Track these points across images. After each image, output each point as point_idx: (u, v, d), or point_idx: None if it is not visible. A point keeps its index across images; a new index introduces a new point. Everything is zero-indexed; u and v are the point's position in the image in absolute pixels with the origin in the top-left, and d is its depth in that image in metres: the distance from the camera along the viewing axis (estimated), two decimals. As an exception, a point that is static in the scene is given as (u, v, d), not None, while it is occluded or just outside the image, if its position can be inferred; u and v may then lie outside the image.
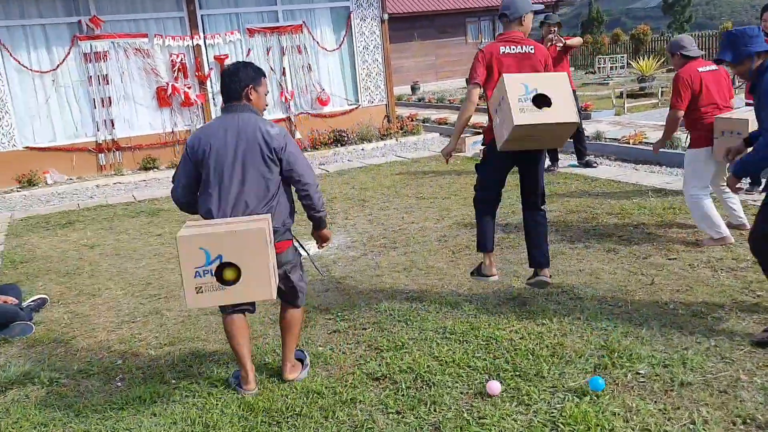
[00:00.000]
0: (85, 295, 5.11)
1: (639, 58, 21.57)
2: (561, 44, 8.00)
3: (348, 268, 5.27)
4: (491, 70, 4.10)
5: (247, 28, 11.88)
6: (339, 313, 4.28)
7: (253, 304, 3.40)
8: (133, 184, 10.41)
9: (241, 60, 3.57)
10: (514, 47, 4.09)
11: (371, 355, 3.64)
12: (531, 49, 4.11)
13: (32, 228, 7.61)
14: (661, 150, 5.89)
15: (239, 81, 3.23)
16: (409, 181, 8.62)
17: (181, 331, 4.22)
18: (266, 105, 3.42)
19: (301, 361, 3.56)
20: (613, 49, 29.07)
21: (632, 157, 8.82)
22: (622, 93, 14.74)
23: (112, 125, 11.07)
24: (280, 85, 12.26)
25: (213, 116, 11.70)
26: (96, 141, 11.02)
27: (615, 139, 9.66)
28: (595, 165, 8.48)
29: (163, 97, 11.35)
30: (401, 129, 13.07)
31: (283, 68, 12.22)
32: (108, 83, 10.97)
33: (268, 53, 12.09)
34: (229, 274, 2.94)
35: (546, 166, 8.61)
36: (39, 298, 4.82)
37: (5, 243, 7.03)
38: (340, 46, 12.68)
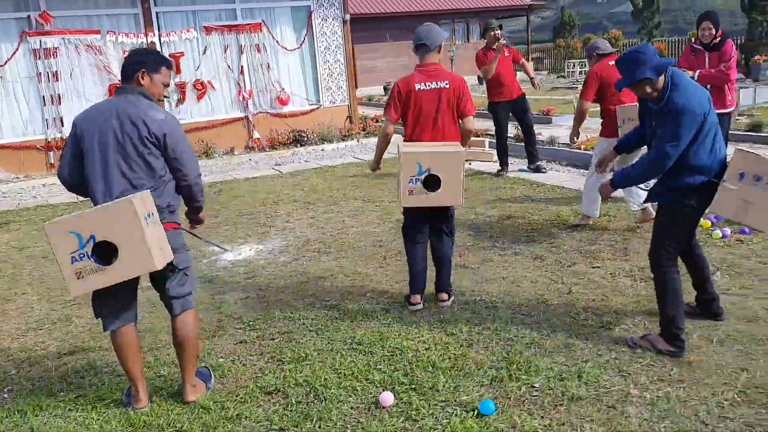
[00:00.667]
0: (-1, 300, 4.96)
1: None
2: (501, 51, 8.03)
3: (274, 274, 5.16)
4: (407, 106, 4.14)
5: (204, 26, 11.70)
6: (251, 323, 4.18)
7: (135, 313, 3.26)
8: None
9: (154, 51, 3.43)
10: (429, 83, 4.09)
11: (271, 367, 3.54)
12: (446, 83, 4.11)
13: (-35, 228, 7.41)
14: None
15: (134, 64, 3.20)
16: (360, 184, 8.54)
17: (86, 340, 4.09)
18: (164, 95, 3.35)
19: (206, 380, 3.39)
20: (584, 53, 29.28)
21: (583, 163, 8.80)
22: (584, 97, 14.77)
23: (62, 123, 10.83)
24: (238, 83, 12.09)
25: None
26: (45, 139, 10.77)
27: (568, 144, 9.65)
28: (544, 170, 8.46)
29: (116, 95, 11.11)
30: (363, 130, 12.99)
31: (241, 67, 12.05)
32: (58, 80, 10.73)
33: (225, 51, 11.92)
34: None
35: (496, 170, 8.67)
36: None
37: (-67, 244, 6.82)
38: (301, 45, 12.55)
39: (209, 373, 3.47)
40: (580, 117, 6.00)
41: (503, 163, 8.60)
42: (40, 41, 10.53)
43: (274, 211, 7.31)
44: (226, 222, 7.00)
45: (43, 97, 10.70)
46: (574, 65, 24.34)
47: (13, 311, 4.72)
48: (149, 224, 2.90)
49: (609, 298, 4.17)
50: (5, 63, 10.40)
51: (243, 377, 3.45)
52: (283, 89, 12.43)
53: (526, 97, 8.46)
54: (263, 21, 12.14)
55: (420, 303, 4.27)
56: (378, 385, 3.24)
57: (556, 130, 11.74)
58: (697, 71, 5.99)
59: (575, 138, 6.30)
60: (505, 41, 8.30)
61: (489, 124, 10.26)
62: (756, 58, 17.72)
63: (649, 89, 3.34)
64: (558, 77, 25.94)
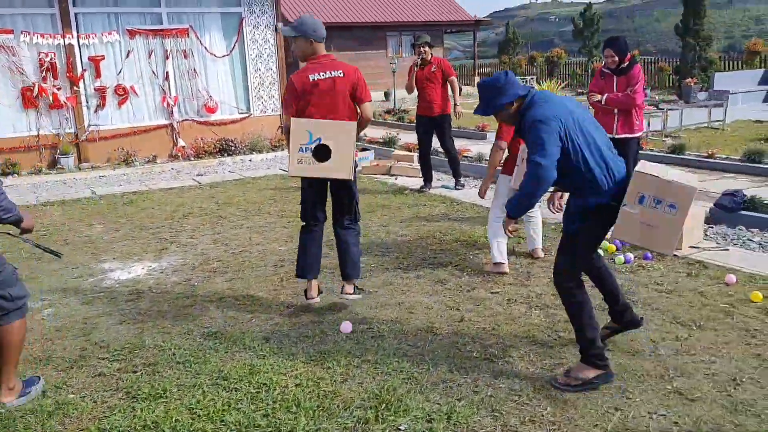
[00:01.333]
0: None
1: (544, 80, 21.98)
2: (417, 67, 7.93)
3: (160, 297, 4.83)
4: (303, 98, 4.14)
5: (127, 29, 11.24)
6: (117, 352, 3.84)
7: None
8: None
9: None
10: (323, 73, 4.11)
11: (123, 405, 3.22)
12: (340, 73, 4.14)
13: None
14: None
15: None
16: (279, 197, 8.25)
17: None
18: None
19: (29, 385, 3.33)
20: (530, 70, 29.67)
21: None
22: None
23: (-29, 126, 10.21)
24: (163, 89, 11.65)
25: (85, 118, 11.01)
26: (-50, 142, 10.13)
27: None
28: (459, 187, 8.35)
29: (28, 98, 10.55)
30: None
31: (167, 72, 11.62)
32: (-33, 80, 10.12)
33: (150, 56, 11.47)
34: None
35: (419, 186, 8.51)
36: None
37: None
38: (231, 52, 12.20)
39: (36, 381, 3.39)
40: (494, 159, 5.18)
41: (426, 179, 8.46)
42: (-54, 38, 9.92)
43: (181, 225, 6.96)
44: (126, 236, 6.60)
45: (-52, 97, 10.07)
46: (515, 81, 24.60)
47: None
48: None
49: (500, 327, 4.00)
50: None
51: (87, 417, 3.12)
52: (210, 97, 12.04)
53: (450, 116, 8.30)
54: (191, 26, 11.75)
55: (317, 297, 4.36)
56: (232, 427, 2.97)
57: (486, 147, 11.69)
58: (605, 95, 5.95)
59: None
60: (420, 58, 8.15)
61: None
62: (687, 80, 18.18)
63: (506, 115, 3.36)
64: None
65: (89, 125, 11.09)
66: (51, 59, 10.65)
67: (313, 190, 4.32)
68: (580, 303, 3.31)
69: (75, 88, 10.89)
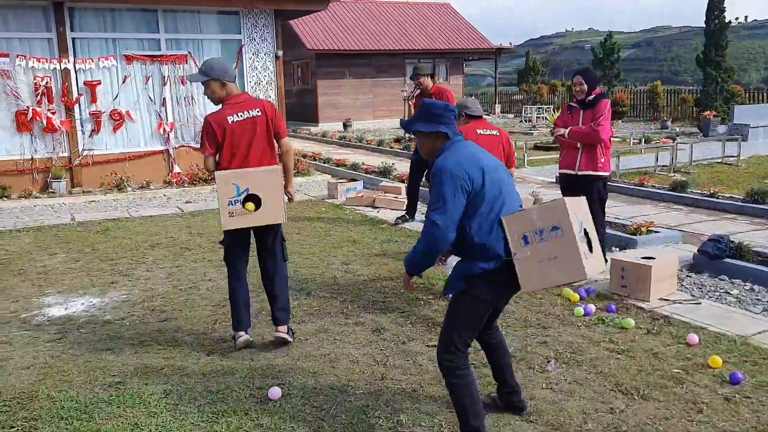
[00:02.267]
0: None
1: (557, 109, 21.59)
2: (415, 96, 7.67)
3: (83, 338, 4.58)
4: (222, 139, 4.07)
5: (125, 55, 11.25)
6: (5, 402, 3.59)
7: None
8: (-29, 214, 9.57)
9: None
10: (241, 113, 4.06)
11: (-21, 466, 2.96)
12: (258, 111, 4.10)
13: None
14: None
15: None
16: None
17: None
18: None
19: None
20: (551, 99, 29.30)
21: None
22: (525, 145, 14.55)
23: (-33, 148, 10.26)
24: (159, 115, 11.61)
25: (80, 143, 11.00)
26: (-54, 164, 10.18)
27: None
28: None
29: (22, 122, 10.59)
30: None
31: (164, 98, 11.59)
32: (-39, 103, 10.19)
33: (147, 82, 11.46)
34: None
35: (396, 218, 8.21)
36: None
37: None
38: (228, 79, 12.11)
39: None
40: None
41: (408, 211, 8.18)
42: (-58, 62, 10.02)
43: (142, 257, 6.75)
44: (83, 267, 6.42)
45: (-57, 120, 10.14)
46: (531, 110, 24.24)
47: None
48: None
49: (422, 389, 3.65)
50: None
51: (-66, 481, 2.86)
52: (207, 123, 11.94)
53: None
54: (189, 53, 11.73)
55: (246, 335, 4.22)
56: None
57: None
58: (569, 128, 5.62)
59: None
60: (416, 89, 7.90)
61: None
62: (706, 113, 17.63)
63: (423, 145, 3.09)
64: (521, 121, 25.85)
65: (83, 150, 11.08)
66: (46, 83, 10.69)
67: (241, 241, 4.24)
68: (463, 385, 2.95)
69: (70, 112, 10.90)
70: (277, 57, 12.48)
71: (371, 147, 18.01)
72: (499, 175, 2.97)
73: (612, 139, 5.80)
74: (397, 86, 27.15)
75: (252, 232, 4.25)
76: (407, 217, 8.13)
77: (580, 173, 5.67)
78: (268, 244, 4.26)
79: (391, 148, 16.99)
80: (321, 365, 4.00)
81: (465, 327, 2.98)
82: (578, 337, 4.35)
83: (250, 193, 3.96)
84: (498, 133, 5.01)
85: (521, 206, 2.99)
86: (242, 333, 4.24)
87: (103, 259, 6.74)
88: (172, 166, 11.71)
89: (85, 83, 11.01)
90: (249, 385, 3.72)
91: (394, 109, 26.93)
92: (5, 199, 10.30)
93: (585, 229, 2.87)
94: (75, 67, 10.92)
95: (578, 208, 2.90)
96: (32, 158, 10.77)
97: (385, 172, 11.69)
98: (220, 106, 4.11)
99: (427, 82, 7.74)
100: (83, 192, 10.88)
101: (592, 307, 4.80)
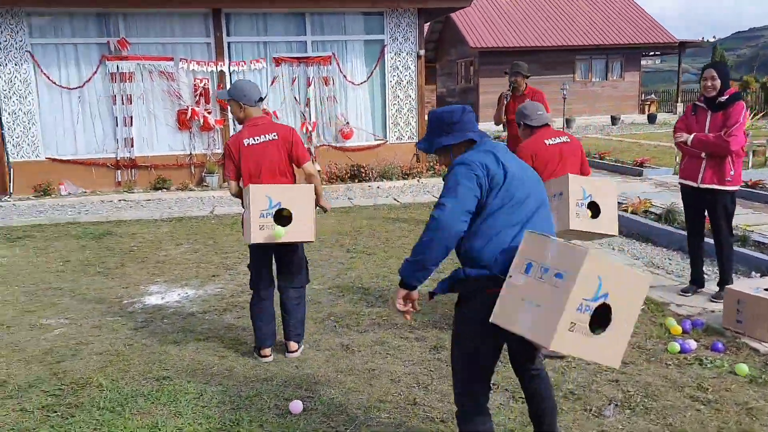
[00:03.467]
0: None
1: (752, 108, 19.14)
2: (507, 99, 7.14)
3: (159, 329, 4.82)
4: (240, 162, 4.09)
5: (274, 57, 11.84)
6: (63, 386, 3.84)
7: None
8: (134, 202, 10.64)
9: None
10: (257, 137, 4.06)
11: (11, 444, 3.18)
12: (274, 135, 4.08)
13: (-18, 239, 7.92)
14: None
15: None
16: (367, 229, 8.01)
17: None
18: None
19: None
20: (742, 96, 26.21)
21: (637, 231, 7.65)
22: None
23: (131, 144, 11.44)
24: (303, 115, 12.08)
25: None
26: (115, 157, 11.43)
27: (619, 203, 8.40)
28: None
29: (183, 120, 11.57)
30: (430, 170, 12.39)
31: (308, 99, 12.04)
32: (131, 103, 11.36)
33: (293, 83, 11.97)
34: None
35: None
36: None
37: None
38: (368, 78, 12.28)
39: None
40: None
41: None
42: (117, 66, 11.23)
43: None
44: (197, 259, 6.80)
45: (116, 118, 11.38)
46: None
47: None
48: None
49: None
50: (84, 84, 11.20)
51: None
52: (347, 123, 12.23)
53: None
54: (333, 54, 12.05)
55: (269, 356, 4.19)
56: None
57: (639, 185, 10.43)
58: (692, 135, 4.84)
59: None
60: (511, 88, 7.39)
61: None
62: None
63: (448, 160, 2.73)
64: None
65: (234, 146, 11.82)
66: (204, 85, 11.57)
67: (266, 256, 4.22)
68: None
69: (223, 112, 11.70)
70: (419, 56, 12.40)
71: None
72: (530, 187, 2.60)
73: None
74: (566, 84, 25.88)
75: (274, 252, 4.22)
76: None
77: (702, 186, 4.90)
78: (291, 266, 4.24)
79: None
80: (360, 381, 3.82)
81: (464, 369, 2.62)
82: (660, 378, 3.72)
83: (282, 207, 3.90)
84: (569, 140, 4.46)
85: (550, 234, 2.56)
86: (266, 350, 4.21)
87: (217, 252, 7.09)
88: (314, 163, 12.09)
89: (237, 84, 11.73)
90: (279, 395, 3.65)
91: (561, 108, 25.73)
92: (164, 190, 11.32)
93: (608, 306, 2.27)
94: (229, 69, 11.69)
95: (613, 279, 2.27)
96: (190, 154, 11.72)
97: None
98: (240, 128, 4.17)
99: (522, 81, 7.26)
100: (231, 186, 11.61)
101: (692, 344, 4.10)
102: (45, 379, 3.93)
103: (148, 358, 4.25)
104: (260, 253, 4.17)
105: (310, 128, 12.07)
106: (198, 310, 5.22)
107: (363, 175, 11.89)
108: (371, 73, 12.30)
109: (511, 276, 2.39)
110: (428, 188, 11.28)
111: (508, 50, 25.27)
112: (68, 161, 11.28)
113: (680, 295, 5.08)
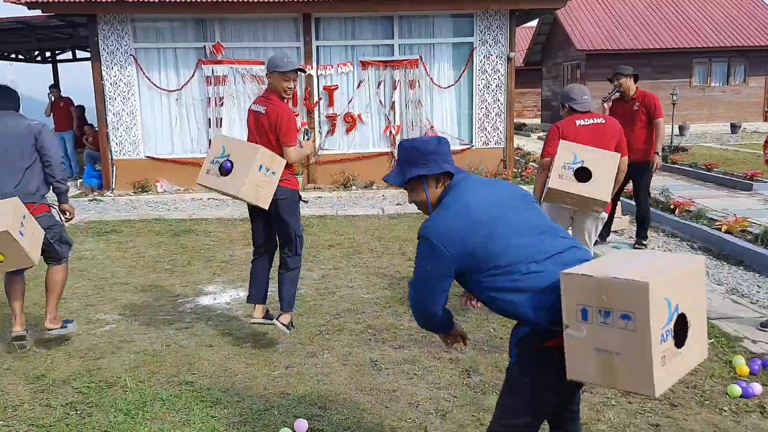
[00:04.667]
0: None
1: None
2: (611, 99, 6.67)
3: (200, 331, 4.87)
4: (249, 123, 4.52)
5: (361, 61, 11.87)
6: (92, 384, 3.96)
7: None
8: (220, 201, 10.99)
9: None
10: (255, 105, 4.47)
11: (25, 439, 3.29)
12: (263, 109, 4.37)
13: (72, 233, 8.43)
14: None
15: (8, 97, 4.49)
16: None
17: None
18: None
19: (66, 323, 4.59)
20: None
21: (699, 241, 7.02)
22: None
23: (221, 144, 11.83)
24: (387, 118, 12.03)
25: (317, 143, 11.89)
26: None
27: (711, 219, 7.67)
28: (639, 247, 6.95)
29: (270, 122, 11.82)
30: (517, 177, 11.97)
31: (393, 102, 11.97)
32: (224, 105, 11.77)
33: (379, 86, 11.95)
34: None
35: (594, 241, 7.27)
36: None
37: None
38: (456, 82, 12.04)
39: (72, 322, 4.66)
40: (539, 177, 4.80)
41: (603, 235, 7.21)
42: (212, 69, 11.67)
43: (315, 255, 7.00)
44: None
45: (209, 119, 11.84)
46: None
47: None
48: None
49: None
50: (182, 87, 11.73)
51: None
52: (432, 126, 12.05)
53: (651, 164, 6.84)
54: (421, 57, 11.91)
55: (258, 317, 4.56)
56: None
57: (746, 201, 9.53)
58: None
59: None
60: (616, 91, 6.90)
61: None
62: None
63: (418, 197, 2.50)
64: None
65: (319, 149, 11.98)
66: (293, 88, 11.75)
67: (257, 221, 4.55)
68: None
69: (310, 114, 11.87)
70: (509, 59, 12.00)
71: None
72: (516, 208, 2.37)
73: None
74: (681, 88, 24.29)
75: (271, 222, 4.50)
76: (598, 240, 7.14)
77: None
78: (281, 234, 4.53)
79: (674, 162, 15.10)
80: (377, 402, 3.65)
81: (511, 414, 2.33)
82: (710, 426, 3.29)
83: (229, 159, 4.19)
84: (603, 121, 4.61)
85: (586, 259, 2.28)
86: (257, 310, 4.57)
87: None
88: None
89: (324, 88, 11.88)
90: (291, 411, 3.56)
91: (672, 113, 24.15)
92: (250, 190, 11.62)
93: (682, 314, 2.06)
94: (317, 73, 11.84)
95: (675, 287, 2.04)
96: (276, 155, 11.96)
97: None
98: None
99: (629, 84, 6.70)
100: (314, 188, 11.78)
101: (756, 388, 3.61)
102: (79, 376, 4.07)
103: (180, 360, 4.30)
104: (256, 219, 4.52)
105: (394, 132, 12.00)
106: (243, 313, 5.25)
107: (446, 180, 11.65)
108: (459, 77, 12.05)
109: (567, 326, 2.10)
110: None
111: (617, 52, 24.04)
112: (165, 160, 11.86)
113: (759, 329, 4.52)
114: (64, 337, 4.62)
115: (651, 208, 7.85)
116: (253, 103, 4.47)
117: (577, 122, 4.56)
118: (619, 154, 4.46)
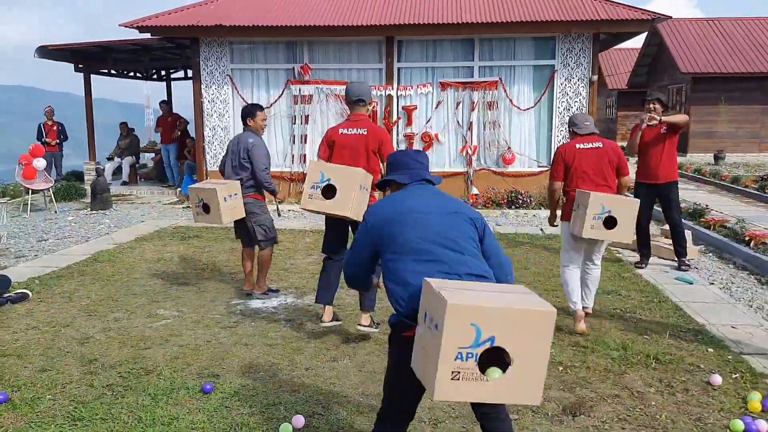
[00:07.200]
0: (58, 298, 6.16)
1: None
2: (653, 123, 6.64)
3: (241, 330, 5.28)
4: (331, 148, 5.07)
5: (440, 82, 12.14)
6: (122, 378, 4.43)
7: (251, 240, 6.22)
8: (298, 213, 11.55)
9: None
10: (351, 129, 4.97)
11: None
12: (364, 131, 4.93)
13: (161, 236, 9.22)
14: None
15: (244, 114, 6.04)
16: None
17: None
18: (263, 126, 6.18)
19: (274, 292, 6.30)
20: None
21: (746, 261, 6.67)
22: None
23: (304, 160, 12.47)
24: (465, 139, 12.20)
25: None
26: (290, 171, 12.55)
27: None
28: (684, 268, 7.02)
29: (351, 140, 12.31)
30: (596, 201, 11.75)
31: (470, 123, 12.14)
32: (308, 123, 12.41)
33: (457, 107, 12.16)
34: None
35: (634, 262, 7.18)
36: (21, 292, 6.01)
37: (120, 245, 8.69)
38: (536, 104, 12.03)
39: (275, 291, 6.33)
40: (550, 197, 5.42)
41: (642, 254, 7.18)
42: (299, 89, 12.35)
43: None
44: (313, 270, 7.26)
45: (294, 136, 12.51)
46: None
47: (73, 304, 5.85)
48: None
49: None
50: (271, 105, 12.47)
51: None
52: (509, 148, 12.09)
53: (677, 184, 6.95)
54: (500, 79, 12.02)
55: (327, 321, 5.00)
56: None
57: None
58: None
59: (554, 222, 5.48)
60: (646, 116, 6.83)
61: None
62: None
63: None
64: None
65: (397, 167, 12.31)
66: (374, 107, 12.21)
67: (334, 231, 5.10)
68: None
69: (389, 133, 12.25)
70: (591, 82, 11.86)
71: (740, 189, 14.48)
72: (437, 226, 2.66)
73: None
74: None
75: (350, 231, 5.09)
76: (641, 264, 7.11)
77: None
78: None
79: (746, 187, 14.24)
80: (376, 408, 3.81)
81: (388, 392, 2.81)
82: (696, 459, 3.26)
83: (330, 183, 4.66)
84: (602, 145, 5.10)
85: (476, 276, 2.53)
86: (326, 313, 5.03)
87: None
88: (470, 187, 12.15)
89: (403, 108, 12.25)
90: (296, 407, 3.85)
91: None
92: (328, 204, 12.13)
93: (500, 347, 2.21)
94: (397, 94, 12.23)
95: (493, 321, 2.18)
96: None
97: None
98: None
99: (659, 109, 6.77)
100: (390, 205, 12.10)
101: (762, 426, 3.51)
102: (126, 362, 4.57)
103: (216, 355, 4.71)
104: (331, 229, 5.09)
105: (470, 152, 12.15)
106: (285, 317, 5.62)
107: (520, 201, 11.66)
108: (539, 99, 12.05)
109: (418, 326, 2.42)
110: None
111: (724, 76, 22.89)
112: (252, 173, 12.59)
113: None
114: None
115: (724, 237, 7.75)
116: (343, 127, 5.02)
117: (578, 146, 5.12)
118: (638, 200, 5.23)
